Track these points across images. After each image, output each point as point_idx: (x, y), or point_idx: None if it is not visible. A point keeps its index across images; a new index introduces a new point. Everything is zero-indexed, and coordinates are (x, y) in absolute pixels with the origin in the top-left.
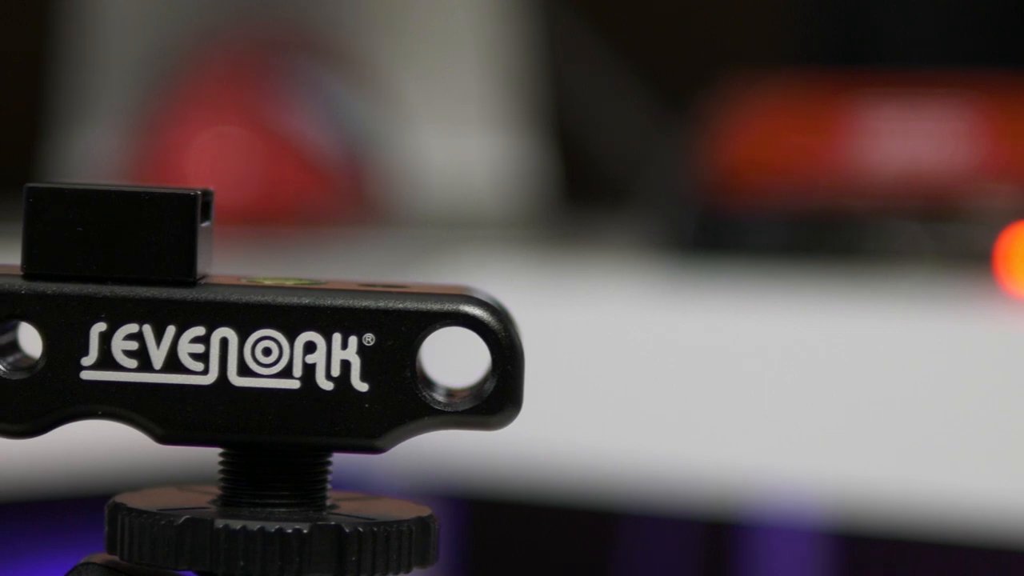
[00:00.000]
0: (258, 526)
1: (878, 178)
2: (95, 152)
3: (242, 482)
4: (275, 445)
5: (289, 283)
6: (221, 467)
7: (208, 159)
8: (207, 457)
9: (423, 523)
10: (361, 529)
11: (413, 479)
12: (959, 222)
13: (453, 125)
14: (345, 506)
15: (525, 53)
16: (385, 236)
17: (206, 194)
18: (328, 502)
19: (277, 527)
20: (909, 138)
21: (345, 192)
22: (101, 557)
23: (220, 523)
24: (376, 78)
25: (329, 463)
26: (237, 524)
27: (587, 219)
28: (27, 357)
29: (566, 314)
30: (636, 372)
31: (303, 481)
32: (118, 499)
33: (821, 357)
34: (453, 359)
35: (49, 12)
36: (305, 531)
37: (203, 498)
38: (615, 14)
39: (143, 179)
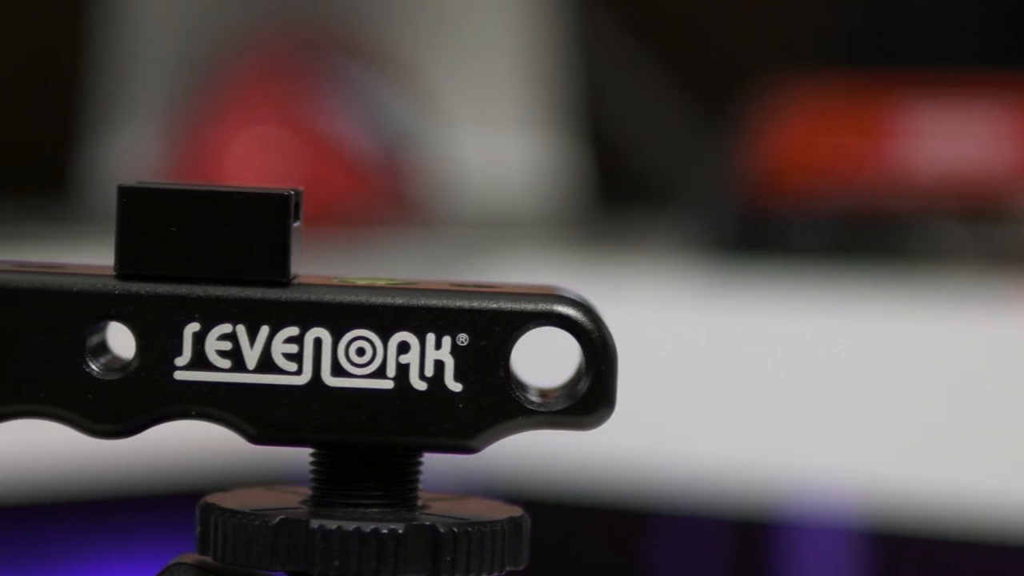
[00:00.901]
0: (354, 526)
1: (921, 178)
2: (133, 153)
3: (334, 482)
4: (368, 445)
5: (380, 283)
6: (312, 467)
7: (248, 159)
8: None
9: (515, 523)
10: (456, 529)
11: (450, 479)
12: (1002, 222)
13: (488, 125)
14: (436, 506)
15: (560, 53)
16: (423, 236)
17: (297, 194)
18: (419, 502)
19: (372, 527)
20: (952, 138)
21: (383, 192)
22: (191, 557)
23: (315, 523)
24: (413, 78)
25: (420, 463)
26: (332, 524)
27: (622, 220)
28: (117, 358)
29: (606, 314)
30: (674, 371)
31: (395, 481)
32: (209, 499)
33: (860, 357)
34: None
35: (85, 12)
36: (401, 531)
37: (294, 498)
38: (650, 14)
39: (183, 180)
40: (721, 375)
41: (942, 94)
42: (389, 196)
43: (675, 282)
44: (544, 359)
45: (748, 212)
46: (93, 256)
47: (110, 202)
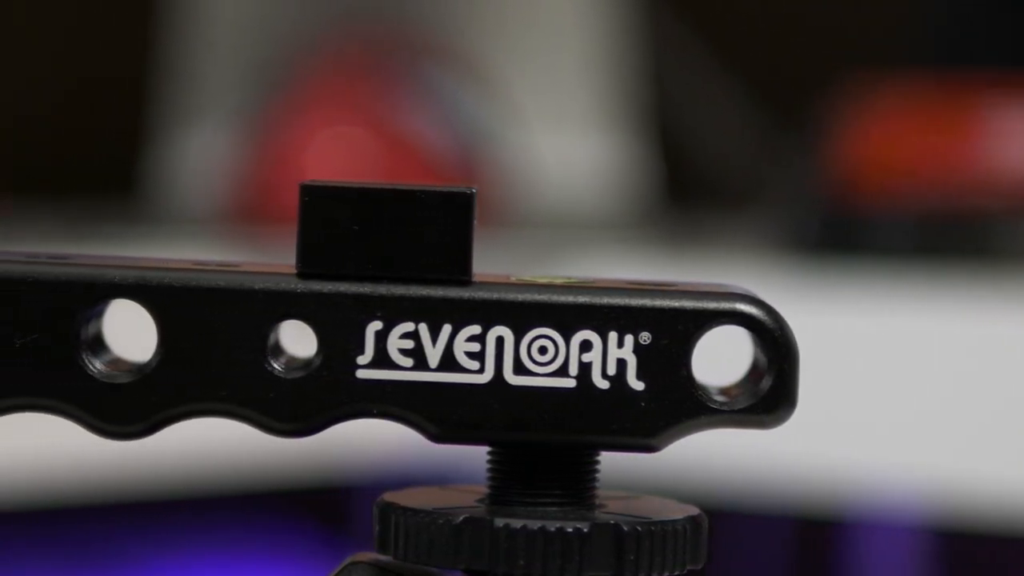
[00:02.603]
0: (538, 525)
1: (1005, 177)
2: (204, 153)
3: (513, 481)
4: (549, 444)
5: (559, 282)
6: (490, 465)
7: (327, 159)
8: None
9: (695, 522)
10: (639, 528)
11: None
12: None
13: (559, 125)
14: (612, 504)
15: (631, 53)
16: (497, 235)
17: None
18: (597, 501)
19: (557, 526)
20: None
21: None
22: (367, 556)
23: (500, 522)
24: (486, 77)
25: (598, 461)
26: (517, 523)
27: (692, 220)
28: (294, 357)
29: None
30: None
31: (574, 480)
32: (388, 498)
33: (940, 356)
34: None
35: (156, 12)
36: (585, 530)
37: (470, 497)
38: (721, 14)
39: (262, 179)
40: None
41: None
42: None
43: (755, 282)
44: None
45: (831, 212)
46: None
47: (179, 203)
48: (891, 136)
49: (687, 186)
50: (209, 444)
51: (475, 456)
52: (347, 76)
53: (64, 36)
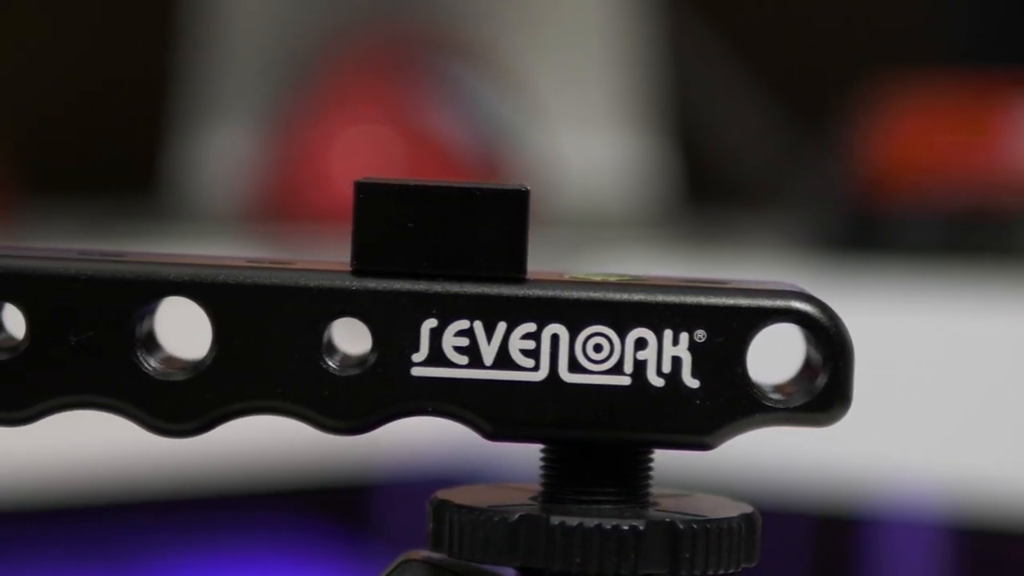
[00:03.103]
0: (594, 523)
1: None
2: (225, 151)
3: (567, 479)
4: (604, 442)
5: (613, 279)
6: (543, 463)
7: (351, 157)
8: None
9: (750, 520)
10: (695, 526)
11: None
12: None
13: (581, 124)
14: (666, 502)
15: (652, 52)
16: None
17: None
18: (650, 499)
19: (613, 523)
20: None
21: None
22: (420, 554)
23: (556, 520)
24: (510, 76)
25: (652, 459)
26: (573, 521)
27: (713, 219)
28: (348, 355)
29: None
30: (777, 367)
31: (628, 477)
32: (441, 496)
33: (966, 354)
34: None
35: (177, 10)
36: (641, 528)
37: (523, 495)
38: (743, 15)
39: (286, 177)
40: None
41: None
42: None
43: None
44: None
45: (856, 211)
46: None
47: (201, 200)
48: (917, 135)
49: (709, 185)
50: (232, 444)
51: (499, 455)
52: (371, 74)
53: (86, 34)
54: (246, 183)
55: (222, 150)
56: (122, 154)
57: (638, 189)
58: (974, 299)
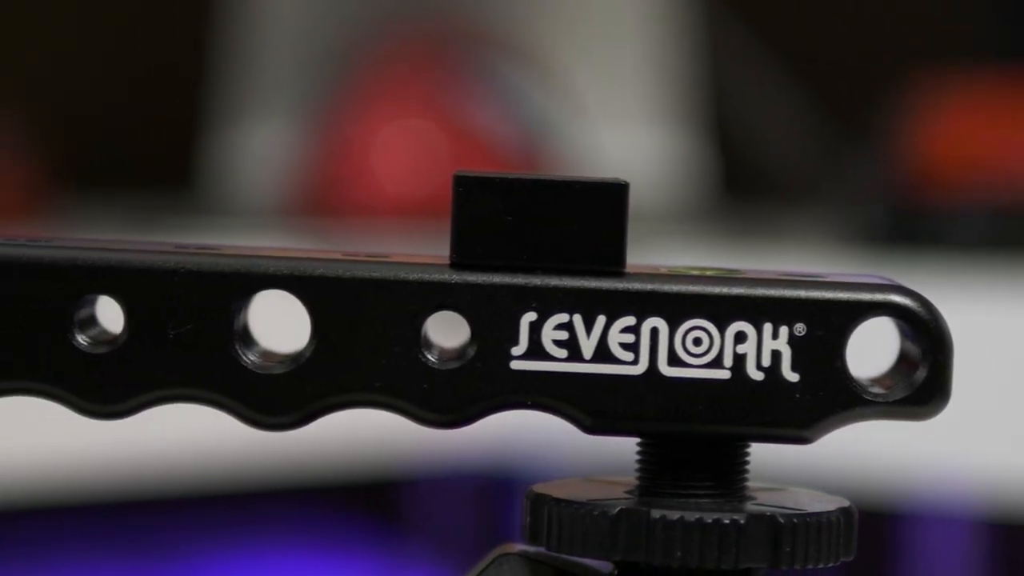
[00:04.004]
0: (695, 516)
1: None
2: (265, 146)
3: (664, 472)
4: (703, 436)
5: (710, 272)
6: (640, 457)
7: (392, 152)
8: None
9: (847, 514)
10: (795, 520)
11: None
12: None
13: (618, 119)
14: (762, 496)
15: (688, 49)
16: None
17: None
18: (747, 492)
19: (714, 517)
20: None
21: None
22: (515, 547)
23: (656, 513)
24: (548, 71)
25: (749, 453)
26: (674, 515)
27: (750, 215)
28: (446, 348)
29: None
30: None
31: (726, 471)
32: (538, 490)
33: (1012, 349)
34: None
35: (213, 6)
36: (742, 521)
37: (618, 489)
38: (782, 10)
39: (328, 172)
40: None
41: None
42: None
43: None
44: None
45: (899, 206)
46: None
47: (239, 195)
48: (960, 130)
49: (746, 181)
50: (268, 441)
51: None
52: (412, 69)
53: (125, 30)
54: (286, 178)
55: (261, 145)
56: (161, 149)
57: (676, 184)
58: (1016, 293)
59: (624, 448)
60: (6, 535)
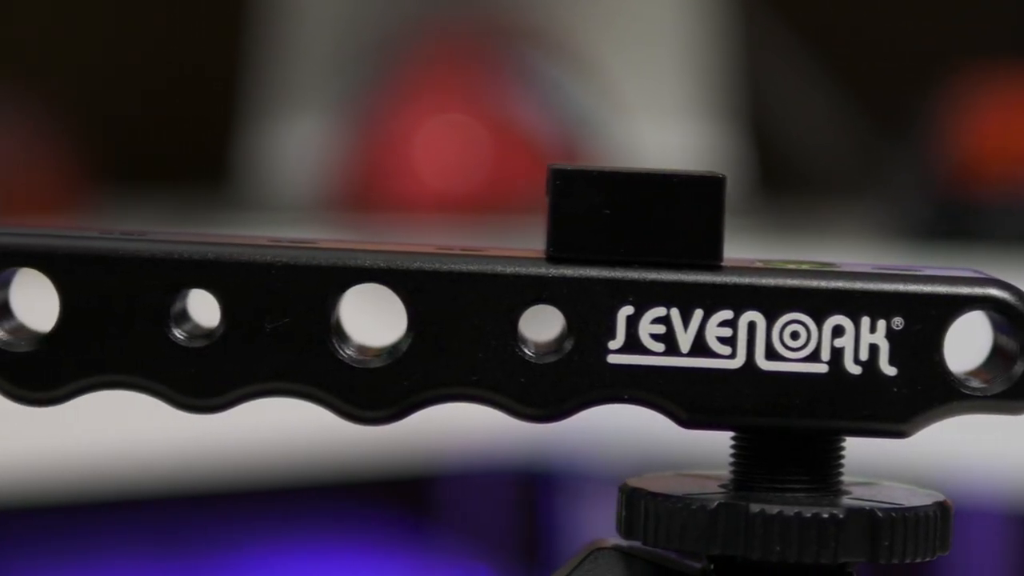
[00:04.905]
0: (794, 511)
1: None
2: (303, 141)
3: (759, 467)
4: (799, 430)
5: (806, 266)
6: (734, 451)
7: (433, 146)
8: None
9: (944, 508)
10: (894, 514)
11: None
12: None
13: (657, 114)
14: (858, 491)
15: (729, 44)
16: None
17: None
18: (842, 487)
19: (813, 511)
20: None
21: None
22: (609, 542)
23: (755, 507)
24: (588, 66)
25: (845, 447)
26: (773, 509)
27: (788, 209)
28: (539, 342)
29: None
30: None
31: (822, 465)
32: (632, 484)
33: None
34: None
35: (252, 2)
36: (841, 516)
37: (712, 483)
38: (822, 5)
39: (368, 167)
40: None
41: None
42: None
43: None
44: None
45: (943, 200)
46: None
47: (277, 189)
48: (1002, 124)
49: (784, 175)
50: (299, 436)
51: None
52: (451, 64)
53: (163, 26)
54: (324, 173)
55: (299, 140)
56: (199, 144)
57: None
58: None
59: (660, 442)
60: (45, 530)
